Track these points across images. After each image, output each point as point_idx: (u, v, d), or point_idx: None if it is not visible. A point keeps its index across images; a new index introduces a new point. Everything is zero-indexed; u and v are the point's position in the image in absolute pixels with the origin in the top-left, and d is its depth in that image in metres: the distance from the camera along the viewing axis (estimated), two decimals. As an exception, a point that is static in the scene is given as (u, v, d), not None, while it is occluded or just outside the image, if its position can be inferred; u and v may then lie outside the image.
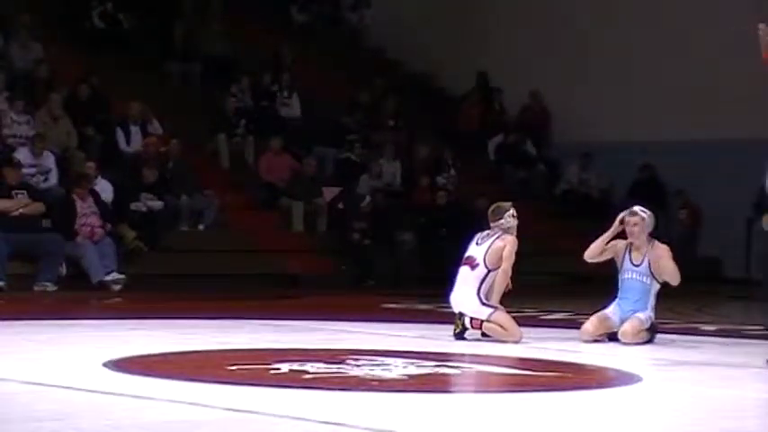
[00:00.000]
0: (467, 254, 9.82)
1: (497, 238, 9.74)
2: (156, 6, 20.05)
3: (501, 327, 9.60)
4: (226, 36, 20.07)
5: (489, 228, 9.85)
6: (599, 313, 9.76)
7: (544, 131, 21.32)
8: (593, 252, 9.84)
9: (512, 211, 9.85)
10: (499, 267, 9.64)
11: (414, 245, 17.26)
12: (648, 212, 9.79)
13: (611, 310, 9.73)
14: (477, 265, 9.68)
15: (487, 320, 9.61)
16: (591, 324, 9.69)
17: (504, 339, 9.53)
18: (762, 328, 11.49)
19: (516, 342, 9.49)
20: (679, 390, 7.63)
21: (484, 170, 20.49)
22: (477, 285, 9.66)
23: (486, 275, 9.66)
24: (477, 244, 9.81)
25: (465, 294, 9.71)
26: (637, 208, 9.83)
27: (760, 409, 6.77)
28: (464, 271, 9.76)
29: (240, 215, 17.30)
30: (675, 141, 19.35)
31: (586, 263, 9.95)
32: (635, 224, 9.70)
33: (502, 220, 9.80)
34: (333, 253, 17.07)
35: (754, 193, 18.30)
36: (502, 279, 9.65)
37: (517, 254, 9.68)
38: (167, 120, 17.59)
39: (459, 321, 9.76)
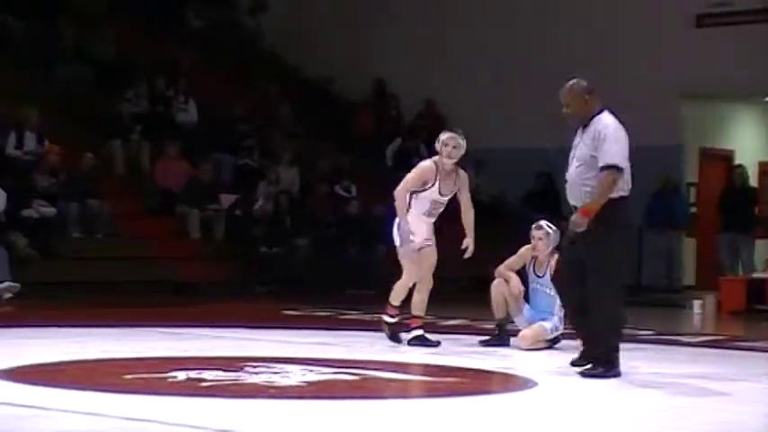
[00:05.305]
0: None
1: None
2: (42, 7, 19.59)
3: None
4: (119, 40, 19.79)
5: None
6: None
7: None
8: (502, 275, 9.81)
9: None
10: None
11: (310, 251, 17.22)
12: (554, 228, 9.77)
13: (525, 315, 9.79)
14: None
15: None
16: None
17: None
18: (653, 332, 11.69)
19: None
20: (574, 395, 7.72)
21: (382, 177, 20.50)
22: None
23: None
24: None
25: None
26: (543, 222, 9.85)
27: (659, 414, 6.88)
28: None
29: (136, 222, 17.08)
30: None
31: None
32: (540, 238, 9.73)
33: None
34: (231, 260, 16.96)
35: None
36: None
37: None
38: (56, 124, 17.27)
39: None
